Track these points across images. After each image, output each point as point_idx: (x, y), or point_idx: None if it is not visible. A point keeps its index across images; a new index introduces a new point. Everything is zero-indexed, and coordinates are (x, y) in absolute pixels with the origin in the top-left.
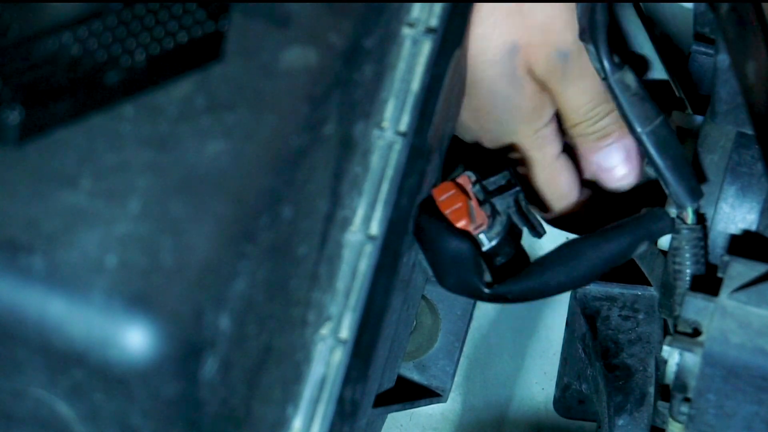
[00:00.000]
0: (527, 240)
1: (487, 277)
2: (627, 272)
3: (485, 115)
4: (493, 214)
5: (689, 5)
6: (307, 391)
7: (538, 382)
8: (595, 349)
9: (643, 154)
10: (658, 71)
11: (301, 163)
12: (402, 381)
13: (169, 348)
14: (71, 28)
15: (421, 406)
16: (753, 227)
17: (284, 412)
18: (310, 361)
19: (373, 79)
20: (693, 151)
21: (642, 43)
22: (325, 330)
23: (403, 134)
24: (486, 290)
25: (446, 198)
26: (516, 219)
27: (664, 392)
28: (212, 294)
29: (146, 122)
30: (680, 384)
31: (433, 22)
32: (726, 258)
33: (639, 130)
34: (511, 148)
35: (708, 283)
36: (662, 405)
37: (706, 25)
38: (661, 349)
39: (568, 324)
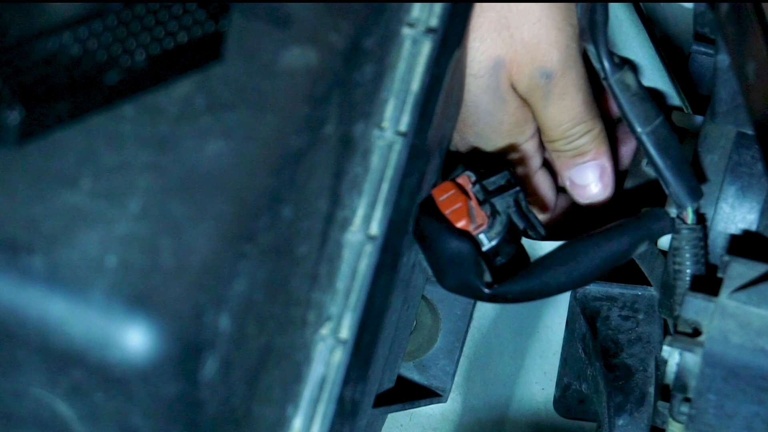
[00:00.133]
0: (527, 240)
1: (487, 277)
2: (627, 272)
3: (467, 128)
4: (493, 214)
5: (689, 5)
6: (307, 391)
7: (538, 382)
8: (595, 349)
9: (617, 174)
10: (658, 71)
11: (301, 163)
12: (402, 381)
13: (169, 348)
14: (71, 28)
15: (421, 406)
16: (753, 227)
17: (284, 412)
18: (310, 361)
19: (373, 79)
20: (693, 151)
21: (642, 43)
22: (325, 330)
23: (403, 134)
24: (486, 290)
25: (446, 198)
26: (516, 219)
27: (664, 392)
28: (212, 294)
29: (146, 122)
30: (680, 384)
31: (433, 22)
32: (726, 258)
33: (639, 130)
34: (506, 150)
35: (708, 283)
36: (662, 405)
37: (706, 25)
38: (661, 349)
39: (568, 324)
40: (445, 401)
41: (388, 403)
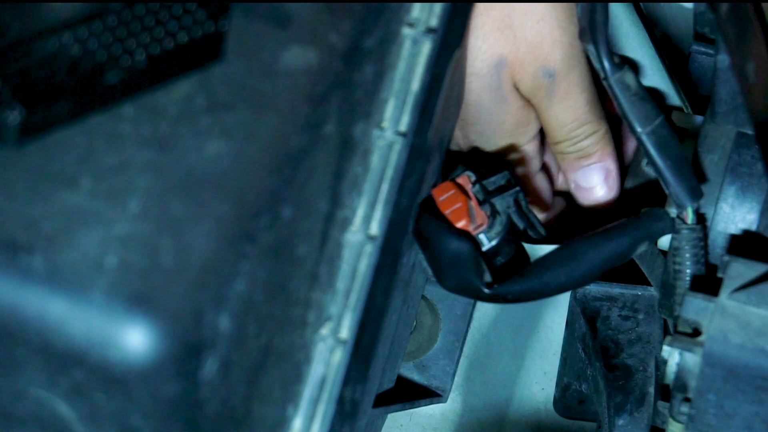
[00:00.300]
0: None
1: (487, 277)
2: (627, 272)
3: (469, 127)
4: (493, 214)
5: (689, 5)
6: (307, 391)
7: (538, 382)
8: (595, 349)
9: (622, 176)
10: (658, 71)
11: (301, 163)
12: (402, 381)
13: (169, 348)
14: (71, 28)
15: (421, 406)
16: (753, 227)
17: (284, 412)
18: (310, 361)
19: (373, 79)
20: (693, 151)
21: (642, 43)
22: (325, 330)
23: (403, 134)
24: (486, 290)
25: (446, 198)
26: (516, 219)
27: (664, 392)
28: (212, 294)
29: (146, 122)
30: (680, 384)
31: (433, 22)
32: (726, 258)
33: (639, 130)
34: (506, 150)
35: (708, 283)
36: (662, 405)
37: (706, 25)
38: (661, 349)
39: (568, 324)
40: (445, 401)
41: (388, 403)
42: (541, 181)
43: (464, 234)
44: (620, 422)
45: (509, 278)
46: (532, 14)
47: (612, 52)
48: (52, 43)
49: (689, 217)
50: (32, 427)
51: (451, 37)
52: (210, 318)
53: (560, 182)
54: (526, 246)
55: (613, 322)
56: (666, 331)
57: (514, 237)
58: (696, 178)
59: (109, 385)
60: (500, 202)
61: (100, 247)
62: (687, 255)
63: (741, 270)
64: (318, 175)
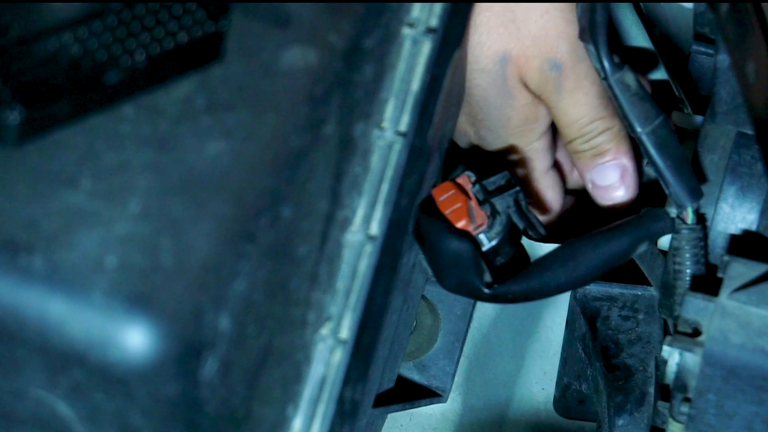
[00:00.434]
0: (527, 240)
1: (487, 277)
2: (627, 272)
3: (479, 123)
4: (493, 214)
5: (689, 5)
6: (307, 391)
7: (538, 382)
8: (595, 349)
9: (639, 173)
10: (658, 71)
11: (301, 163)
12: (402, 381)
13: (169, 348)
14: (71, 28)
15: (421, 406)
16: (753, 227)
17: (284, 412)
18: (310, 361)
19: (373, 79)
20: (693, 151)
21: (642, 43)
22: (325, 330)
23: (403, 134)
24: (486, 290)
25: (446, 198)
26: (516, 219)
27: (664, 392)
28: (212, 294)
29: (146, 122)
30: (680, 384)
31: (433, 22)
32: (726, 258)
33: (639, 130)
34: (510, 149)
35: (708, 283)
36: (662, 405)
37: (706, 25)
38: (661, 349)
39: (568, 324)
40: (445, 401)
41: (388, 403)
42: (551, 180)
43: (464, 234)
44: (620, 422)
45: (509, 278)
46: (536, 8)
47: (612, 52)
48: (52, 43)
49: (689, 217)
50: (32, 427)
51: (451, 37)
52: (210, 318)
53: (573, 181)
54: (526, 246)
55: (613, 322)
56: (666, 331)
57: (514, 237)
58: (696, 178)
59: (109, 385)
60: (500, 202)
61: (100, 247)
62: (687, 255)
63: (741, 270)
64: (318, 175)
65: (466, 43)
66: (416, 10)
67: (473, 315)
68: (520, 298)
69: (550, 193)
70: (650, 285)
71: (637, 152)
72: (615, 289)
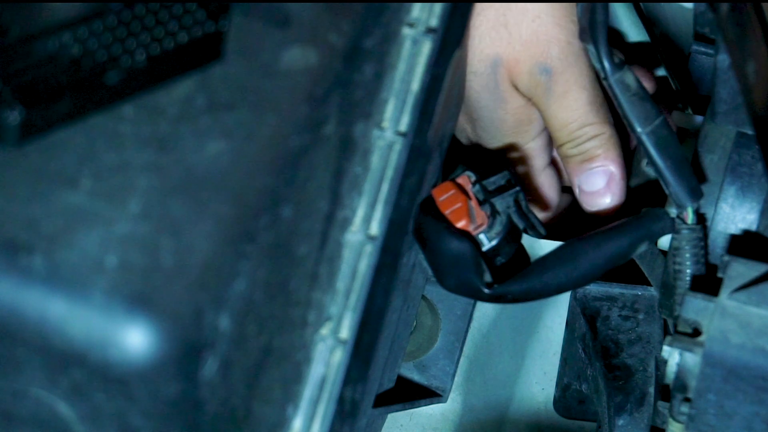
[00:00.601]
0: (527, 240)
1: (487, 277)
2: (627, 272)
3: (473, 123)
4: (493, 214)
5: (689, 5)
6: (307, 391)
7: (538, 382)
8: (595, 349)
9: (626, 180)
10: (658, 71)
11: (301, 163)
12: (402, 381)
13: (169, 348)
14: (71, 28)
15: (421, 406)
16: (753, 227)
17: (284, 412)
18: (310, 361)
19: (373, 79)
20: (693, 151)
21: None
22: (325, 330)
23: (403, 134)
24: (486, 290)
25: (446, 198)
26: (516, 219)
27: (664, 392)
28: (212, 294)
29: (146, 122)
30: (680, 384)
31: (433, 22)
32: (726, 258)
33: (639, 130)
34: (508, 147)
35: (708, 283)
36: (662, 405)
37: (706, 25)
38: (661, 349)
39: (568, 324)
40: (445, 401)
41: (388, 403)
42: (548, 178)
43: (464, 234)
44: (620, 422)
45: (509, 278)
46: (528, 13)
47: (612, 52)
48: (52, 43)
49: (689, 217)
50: (32, 427)
51: (451, 37)
52: (210, 318)
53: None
54: (526, 246)
55: (613, 322)
56: (666, 331)
57: (514, 237)
58: (696, 178)
59: (109, 385)
60: (500, 202)
61: (100, 247)
62: (687, 255)
63: (741, 270)
64: (318, 175)
65: (466, 43)
66: (416, 10)
67: (473, 315)
68: (520, 298)
69: (548, 190)
70: (650, 285)
71: (627, 159)
72: (615, 289)
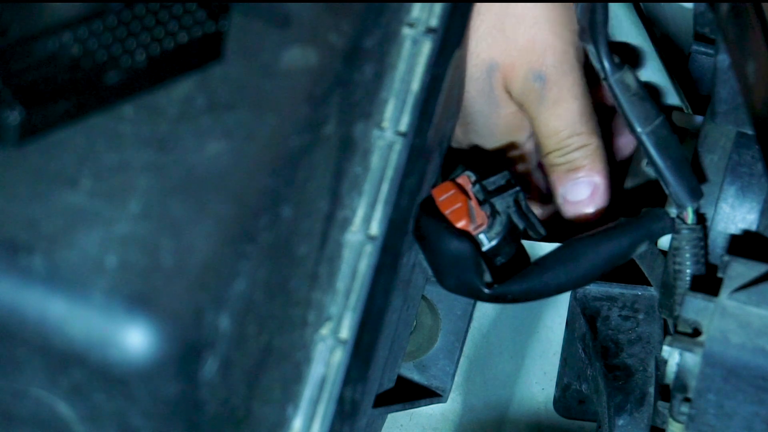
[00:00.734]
0: (527, 240)
1: (487, 277)
2: (627, 272)
3: (467, 126)
4: (493, 214)
5: (689, 5)
6: (307, 391)
7: (538, 382)
8: (595, 349)
9: (610, 192)
10: (658, 71)
11: (301, 163)
12: (402, 381)
13: (169, 348)
14: (71, 28)
15: (421, 406)
16: (753, 227)
17: (284, 412)
18: (310, 361)
19: (373, 79)
20: (693, 151)
21: (642, 43)
22: (325, 330)
23: (403, 134)
24: (486, 290)
25: (446, 198)
26: (516, 219)
27: (664, 392)
28: (212, 294)
29: (146, 122)
30: (680, 384)
31: (433, 22)
32: (726, 258)
33: (639, 130)
34: (509, 147)
35: (708, 283)
36: (662, 405)
37: (706, 25)
38: (661, 349)
39: (568, 324)
40: (445, 401)
41: (388, 403)
42: (540, 176)
43: (464, 234)
44: (620, 422)
45: (509, 278)
46: (526, 19)
47: (612, 52)
48: (52, 43)
49: (689, 217)
50: (32, 427)
51: (451, 37)
52: (210, 318)
53: None
54: (526, 246)
55: (613, 322)
56: (666, 331)
57: (514, 237)
58: (696, 178)
59: (109, 385)
60: (500, 202)
61: (100, 247)
62: (687, 255)
63: (741, 270)
64: (318, 175)
65: (466, 43)
66: (416, 10)
67: (473, 315)
68: (520, 298)
69: (541, 185)
70: (650, 285)
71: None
72: (615, 289)
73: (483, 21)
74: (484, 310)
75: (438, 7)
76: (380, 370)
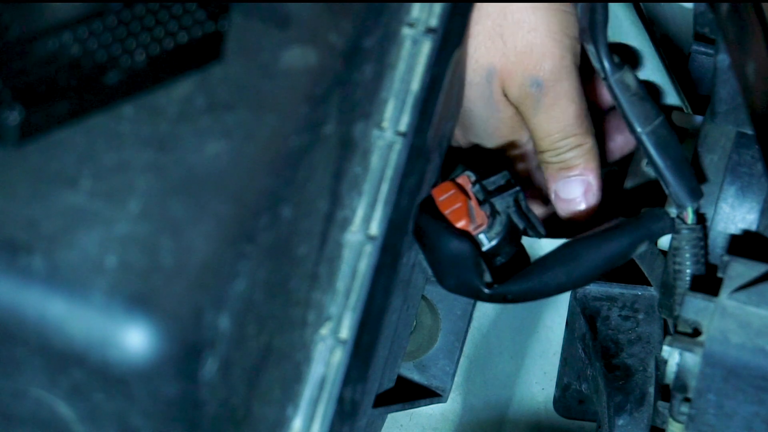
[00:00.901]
0: (527, 240)
1: (487, 277)
2: (627, 272)
3: (466, 129)
4: (493, 214)
5: (689, 5)
6: (307, 391)
7: (538, 382)
8: (595, 349)
9: (602, 192)
10: (658, 71)
11: (301, 163)
12: (402, 381)
13: (169, 348)
14: (71, 28)
15: (421, 406)
16: (753, 227)
17: (284, 412)
18: (310, 361)
19: (373, 79)
20: (693, 151)
21: (642, 43)
22: (325, 330)
23: (403, 134)
24: (486, 290)
25: (446, 198)
26: (516, 219)
27: (664, 392)
28: (212, 294)
29: (146, 122)
30: (680, 384)
31: (433, 22)
32: (726, 258)
33: (639, 130)
34: (510, 146)
35: (708, 283)
36: (662, 405)
37: (706, 25)
38: (661, 349)
39: (568, 324)
40: (445, 401)
41: (388, 403)
42: (540, 176)
43: (464, 234)
44: (620, 422)
45: (509, 278)
46: (524, 24)
47: (612, 52)
48: (52, 43)
49: (689, 217)
50: (32, 427)
51: (451, 37)
52: (210, 318)
53: None
54: (526, 246)
55: (613, 322)
56: (666, 331)
57: (514, 237)
58: (696, 178)
59: (109, 385)
60: (500, 202)
61: (100, 247)
62: (687, 255)
63: (741, 270)
64: (318, 175)
65: (466, 43)
66: (416, 10)
67: (473, 315)
68: (520, 298)
69: (542, 184)
70: (650, 285)
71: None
72: (615, 289)
73: (481, 27)
74: (484, 310)
75: (438, 7)
76: (380, 370)
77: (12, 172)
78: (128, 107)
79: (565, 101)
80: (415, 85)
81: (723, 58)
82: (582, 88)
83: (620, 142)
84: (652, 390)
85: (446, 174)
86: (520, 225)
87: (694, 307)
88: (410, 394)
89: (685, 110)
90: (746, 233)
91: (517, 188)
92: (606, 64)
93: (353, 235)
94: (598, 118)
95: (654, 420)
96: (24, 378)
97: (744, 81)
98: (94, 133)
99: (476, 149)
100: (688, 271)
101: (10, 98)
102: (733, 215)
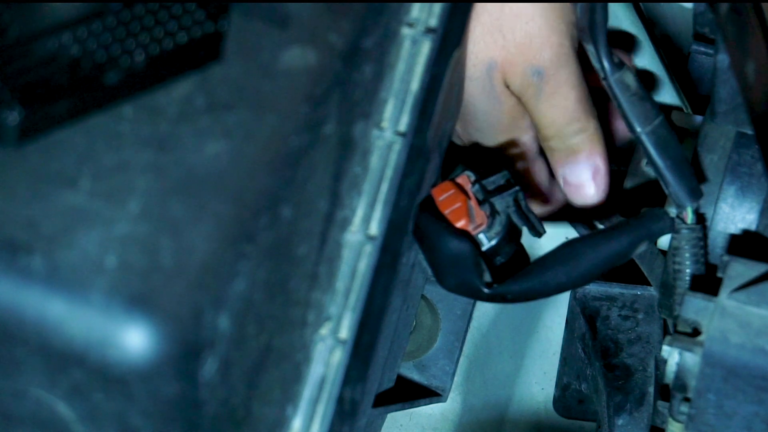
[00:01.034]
0: (527, 240)
1: (487, 277)
2: (627, 272)
3: (467, 124)
4: (493, 213)
5: (689, 5)
6: (307, 391)
7: (538, 382)
8: (595, 349)
9: (610, 176)
10: (658, 71)
11: (301, 163)
12: (402, 381)
13: (169, 348)
14: (71, 28)
15: (421, 406)
16: (753, 227)
17: (284, 412)
18: (309, 361)
19: (372, 79)
20: (693, 151)
21: (642, 43)
22: (324, 330)
23: (403, 134)
24: (486, 290)
25: (446, 198)
26: (516, 218)
27: (664, 392)
28: (212, 294)
29: (146, 122)
30: (680, 384)
31: (433, 22)
32: (726, 258)
33: (639, 130)
34: (509, 146)
35: (708, 283)
36: (662, 405)
37: (706, 25)
38: (661, 349)
39: (568, 324)
40: (445, 401)
41: (387, 402)
42: (540, 167)
43: (464, 234)
44: (620, 422)
45: (509, 278)
46: (522, 16)
47: (612, 52)
48: (52, 43)
49: (689, 217)
50: (32, 427)
51: (451, 37)
52: (210, 318)
53: None
54: (526, 246)
55: (612, 321)
56: (666, 331)
57: (513, 237)
58: (696, 178)
59: (109, 385)
60: (500, 202)
61: (100, 247)
62: (687, 255)
63: (741, 270)
64: (318, 175)
65: (465, 43)
66: (416, 10)
67: (473, 315)
68: (520, 297)
69: (543, 178)
70: (650, 285)
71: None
72: (615, 289)
73: (479, 22)
74: (484, 310)
75: (437, 7)
76: (380, 370)
77: (12, 172)
78: (128, 107)
79: (567, 88)
80: (415, 85)
81: (723, 58)
82: (583, 74)
83: (624, 125)
84: (651, 390)
85: (446, 174)
86: (520, 225)
87: (694, 307)
88: (410, 393)
89: (685, 110)
90: (746, 233)
91: (517, 188)
92: (606, 64)
93: (353, 235)
94: (601, 102)
95: (654, 420)
96: (24, 378)
97: (744, 81)
98: (94, 133)
99: (476, 148)
100: (687, 270)
101: (10, 98)
102: (733, 215)
